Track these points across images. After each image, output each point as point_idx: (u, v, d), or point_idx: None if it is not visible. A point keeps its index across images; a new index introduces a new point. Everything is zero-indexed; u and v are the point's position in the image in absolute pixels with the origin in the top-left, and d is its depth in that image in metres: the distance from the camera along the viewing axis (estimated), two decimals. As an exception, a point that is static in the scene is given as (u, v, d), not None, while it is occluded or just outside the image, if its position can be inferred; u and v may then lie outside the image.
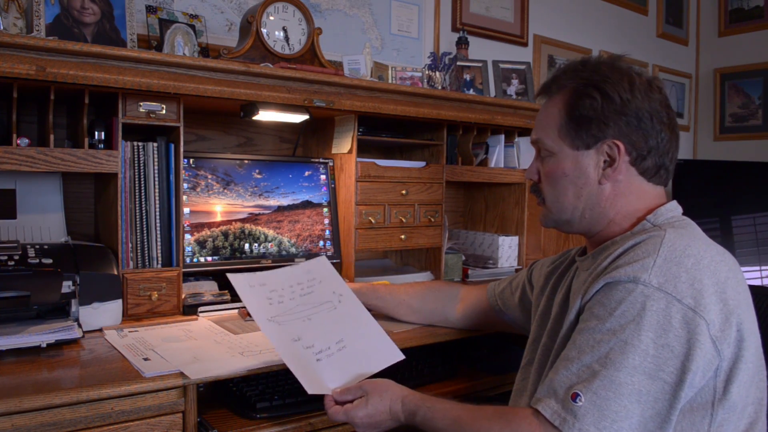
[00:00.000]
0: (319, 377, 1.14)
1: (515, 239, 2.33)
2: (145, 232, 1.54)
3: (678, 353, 0.89)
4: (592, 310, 0.97)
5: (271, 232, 1.84)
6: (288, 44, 1.83)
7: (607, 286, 0.96)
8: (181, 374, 1.13)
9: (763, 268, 3.17)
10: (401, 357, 1.27)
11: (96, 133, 1.50)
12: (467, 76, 2.43)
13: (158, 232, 1.56)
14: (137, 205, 1.53)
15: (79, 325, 1.32)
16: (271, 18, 1.79)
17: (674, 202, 1.11)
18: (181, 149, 1.58)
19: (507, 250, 2.31)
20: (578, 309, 1.02)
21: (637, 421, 0.88)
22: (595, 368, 0.91)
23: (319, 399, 1.15)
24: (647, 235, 1.00)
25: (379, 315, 1.60)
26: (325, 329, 1.25)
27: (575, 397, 0.90)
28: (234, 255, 1.76)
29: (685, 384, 0.89)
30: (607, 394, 0.89)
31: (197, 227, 1.71)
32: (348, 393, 1.13)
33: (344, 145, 1.93)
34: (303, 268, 1.40)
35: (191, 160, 1.73)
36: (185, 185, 1.68)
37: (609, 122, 1.05)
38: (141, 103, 1.50)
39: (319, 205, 1.96)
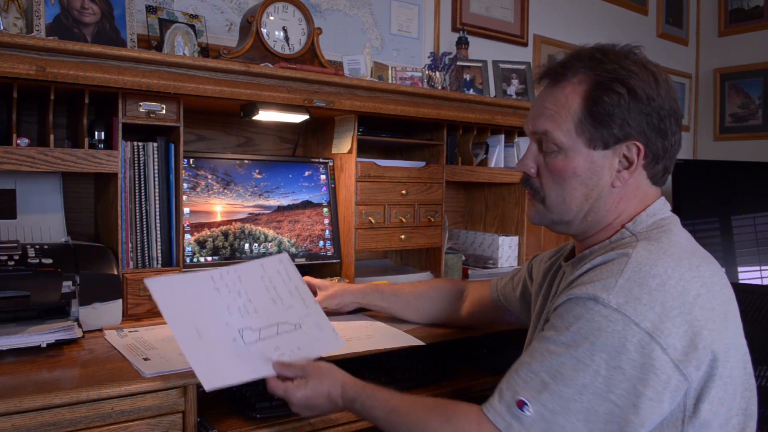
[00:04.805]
0: (254, 360, 1.13)
1: (515, 239, 2.33)
2: (145, 232, 1.54)
3: (630, 376, 0.86)
4: (552, 321, 0.95)
5: (271, 232, 1.84)
6: (288, 44, 1.83)
7: (569, 301, 0.93)
8: (181, 374, 1.13)
9: (763, 268, 3.17)
10: (341, 344, 1.24)
11: (96, 133, 1.50)
12: (467, 76, 2.43)
13: (158, 232, 1.56)
14: (137, 205, 1.53)
15: (79, 325, 1.32)
16: (271, 18, 1.79)
17: (660, 201, 1.05)
18: (181, 149, 1.58)
19: (507, 250, 2.31)
20: (545, 319, 1.01)
21: None
22: (545, 379, 0.89)
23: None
24: (616, 253, 0.95)
25: (381, 315, 1.60)
26: (265, 313, 1.21)
27: (522, 405, 0.89)
28: (234, 255, 1.76)
29: (641, 409, 0.86)
30: (555, 408, 0.87)
31: (197, 227, 1.71)
32: (288, 370, 1.11)
33: (344, 145, 1.93)
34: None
35: (191, 160, 1.73)
36: (185, 185, 1.68)
37: (632, 122, 0.98)
38: (141, 103, 1.50)
39: (319, 205, 1.96)
